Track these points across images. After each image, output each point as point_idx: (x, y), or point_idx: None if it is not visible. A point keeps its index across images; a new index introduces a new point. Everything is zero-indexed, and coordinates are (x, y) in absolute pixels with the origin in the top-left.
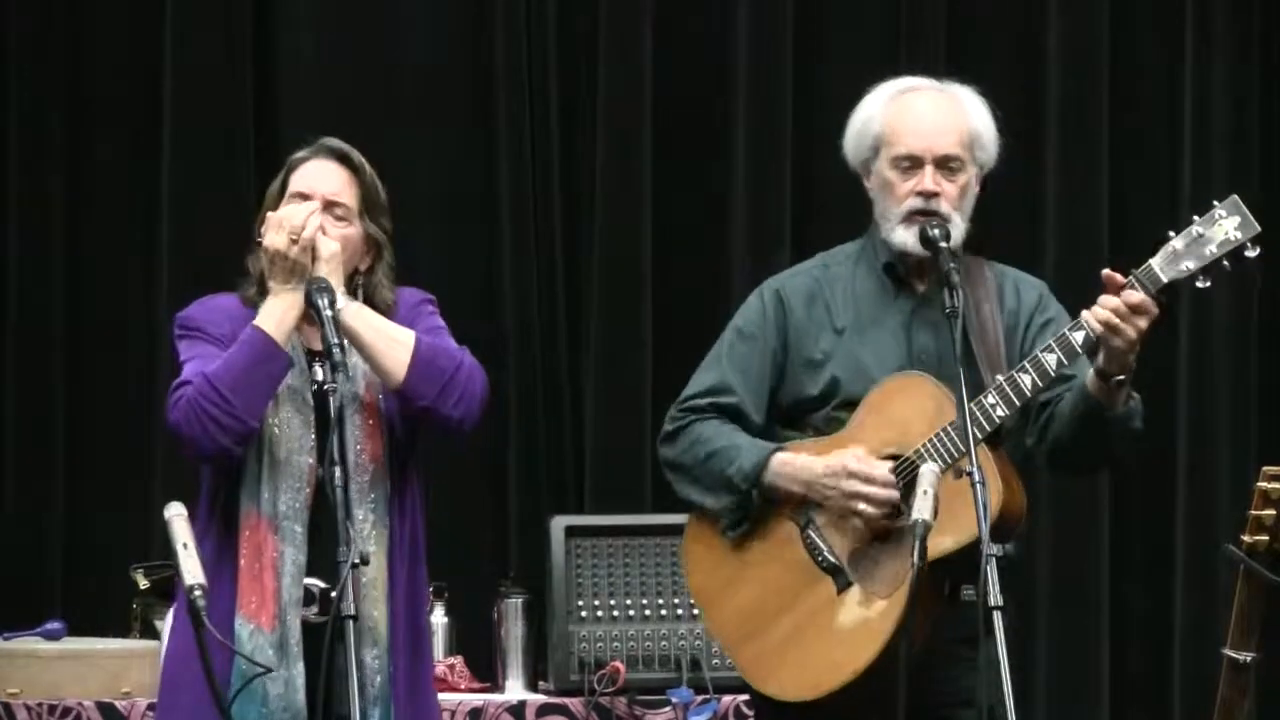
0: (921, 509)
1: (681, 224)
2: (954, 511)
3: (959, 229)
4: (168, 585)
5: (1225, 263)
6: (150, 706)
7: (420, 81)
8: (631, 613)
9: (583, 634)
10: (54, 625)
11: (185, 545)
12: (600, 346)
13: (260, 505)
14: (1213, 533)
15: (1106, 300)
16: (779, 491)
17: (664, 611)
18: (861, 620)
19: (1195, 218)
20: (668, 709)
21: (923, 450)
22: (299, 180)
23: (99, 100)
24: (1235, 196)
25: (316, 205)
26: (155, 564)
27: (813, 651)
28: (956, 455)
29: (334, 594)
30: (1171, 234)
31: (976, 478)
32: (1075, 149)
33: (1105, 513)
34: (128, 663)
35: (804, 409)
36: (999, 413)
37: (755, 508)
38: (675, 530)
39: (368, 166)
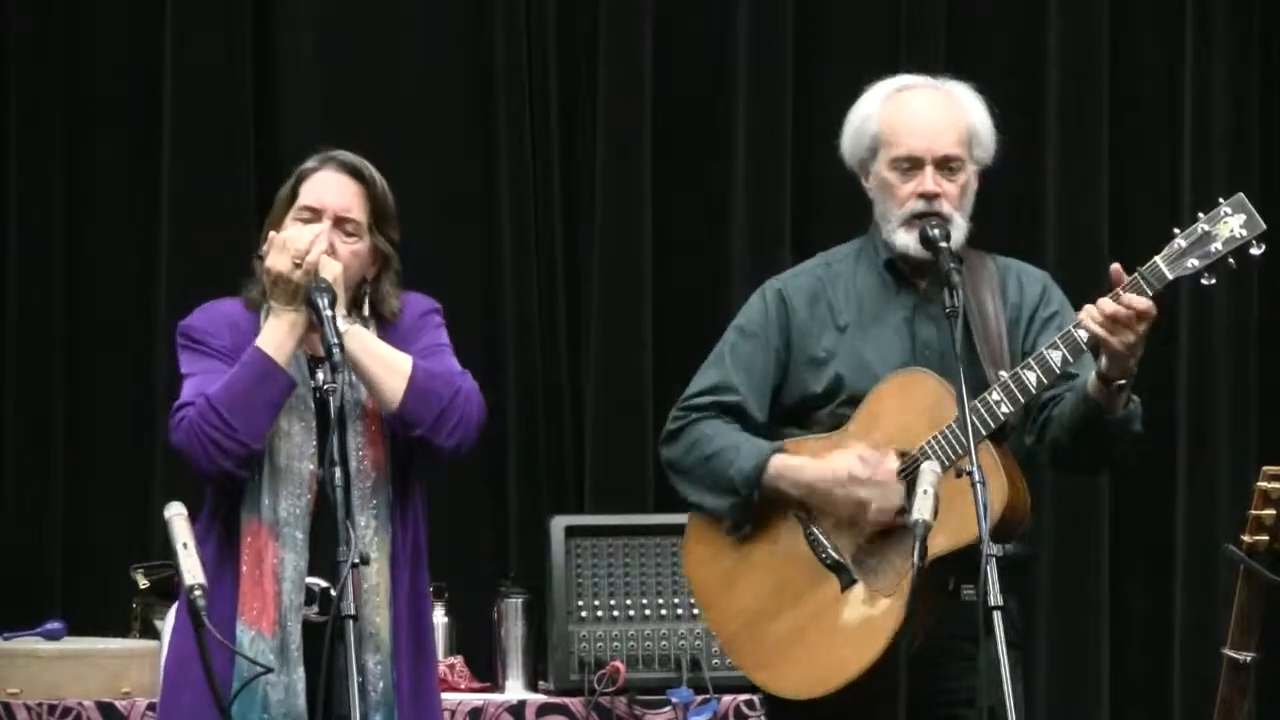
0: (921, 509)
1: (681, 224)
2: (958, 510)
3: (960, 229)
4: (168, 585)
5: (1230, 260)
6: (150, 706)
7: (420, 81)
8: (631, 613)
9: (583, 634)
10: (54, 625)
11: (185, 545)
12: (600, 346)
13: (261, 511)
14: (1213, 533)
15: (1104, 305)
16: (781, 495)
17: (664, 611)
18: (865, 618)
19: (1201, 215)
20: (668, 709)
21: (926, 448)
22: (308, 193)
23: (99, 100)
24: (1241, 194)
25: (322, 229)
26: (155, 564)
27: (816, 649)
28: (960, 453)
29: (334, 593)
30: (1177, 231)
31: (977, 477)
32: (1075, 149)
33: (1105, 513)
34: (128, 663)
35: (809, 406)
36: (1003, 410)
37: (757, 506)
38: (675, 530)
39: (378, 178)
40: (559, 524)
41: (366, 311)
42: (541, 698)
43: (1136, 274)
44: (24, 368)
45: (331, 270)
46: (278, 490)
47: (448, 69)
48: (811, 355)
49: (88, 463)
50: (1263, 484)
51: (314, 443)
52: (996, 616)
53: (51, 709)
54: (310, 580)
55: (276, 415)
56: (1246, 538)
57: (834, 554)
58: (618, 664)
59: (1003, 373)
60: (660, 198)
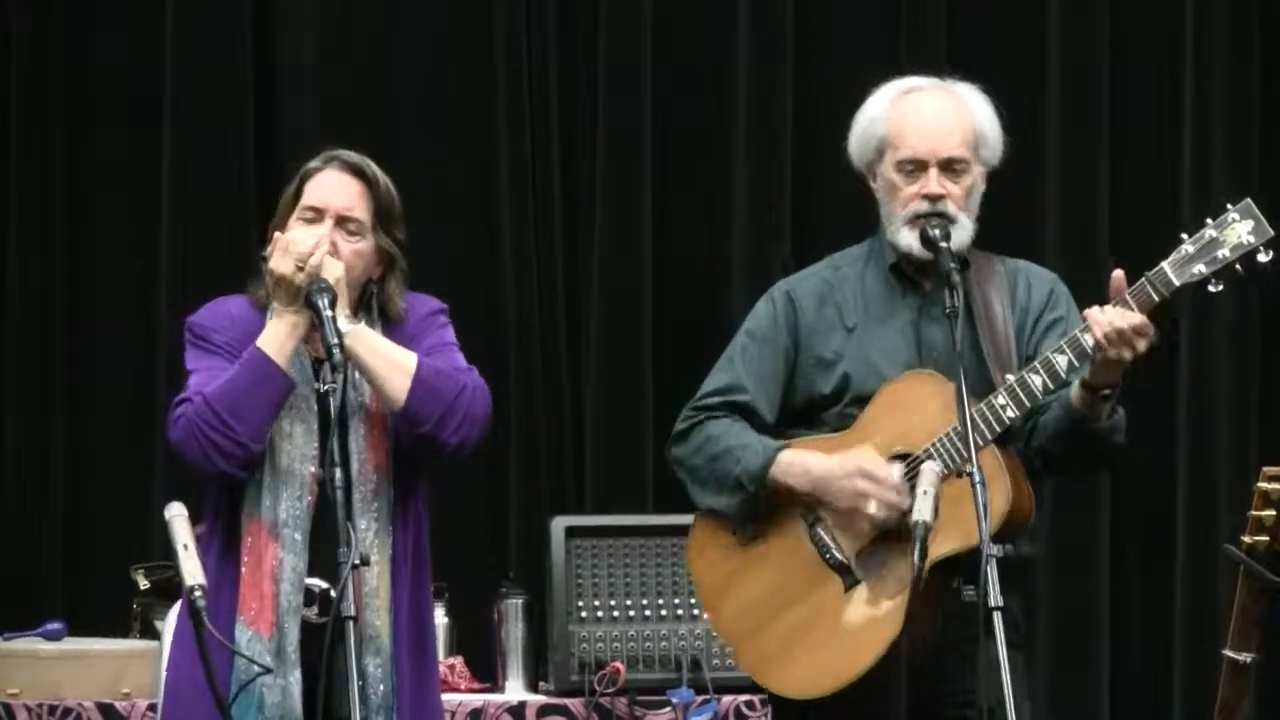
0: (921, 510)
1: (681, 224)
2: (966, 512)
3: (965, 229)
4: (168, 585)
5: (1238, 267)
6: (150, 707)
7: (420, 81)
8: (632, 613)
9: (583, 634)
10: (54, 625)
11: (186, 546)
12: (600, 346)
13: (261, 512)
14: (1213, 533)
15: (1113, 319)
16: (787, 490)
17: (664, 612)
18: (868, 619)
19: (1209, 220)
20: (668, 709)
21: (931, 449)
22: (312, 193)
23: (99, 100)
24: (1249, 200)
25: (324, 233)
26: (155, 564)
27: (818, 650)
28: (964, 454)
29: (334, 594)
30: (1184, 236)
31: (976, 478)
32: (1075, 149)
33: (1105, 513)
34: (128, 663)
35: (817, 407)
36: (1009, 414)
37: (763, 507)
38: (675, 530)
39: (382, 178)
40: (559, 524)
41: (374, 312)
42: (542, 698)
43: (1144, 280)
44: (24, 368)
45: (334, 271)
46: (278, 491)
47: (448, 69)
48: (819, 356)
49: (88, 463)
50: (1262, 484)
51: (316, 444)
52: (997, 617)
53: (51, 709)
54: (310, 582)
55: (275, 416)
56: (1246, 538)
57: (838, 555)
58: (618, 665)
59: (1009, 376)
60: (660, 198)
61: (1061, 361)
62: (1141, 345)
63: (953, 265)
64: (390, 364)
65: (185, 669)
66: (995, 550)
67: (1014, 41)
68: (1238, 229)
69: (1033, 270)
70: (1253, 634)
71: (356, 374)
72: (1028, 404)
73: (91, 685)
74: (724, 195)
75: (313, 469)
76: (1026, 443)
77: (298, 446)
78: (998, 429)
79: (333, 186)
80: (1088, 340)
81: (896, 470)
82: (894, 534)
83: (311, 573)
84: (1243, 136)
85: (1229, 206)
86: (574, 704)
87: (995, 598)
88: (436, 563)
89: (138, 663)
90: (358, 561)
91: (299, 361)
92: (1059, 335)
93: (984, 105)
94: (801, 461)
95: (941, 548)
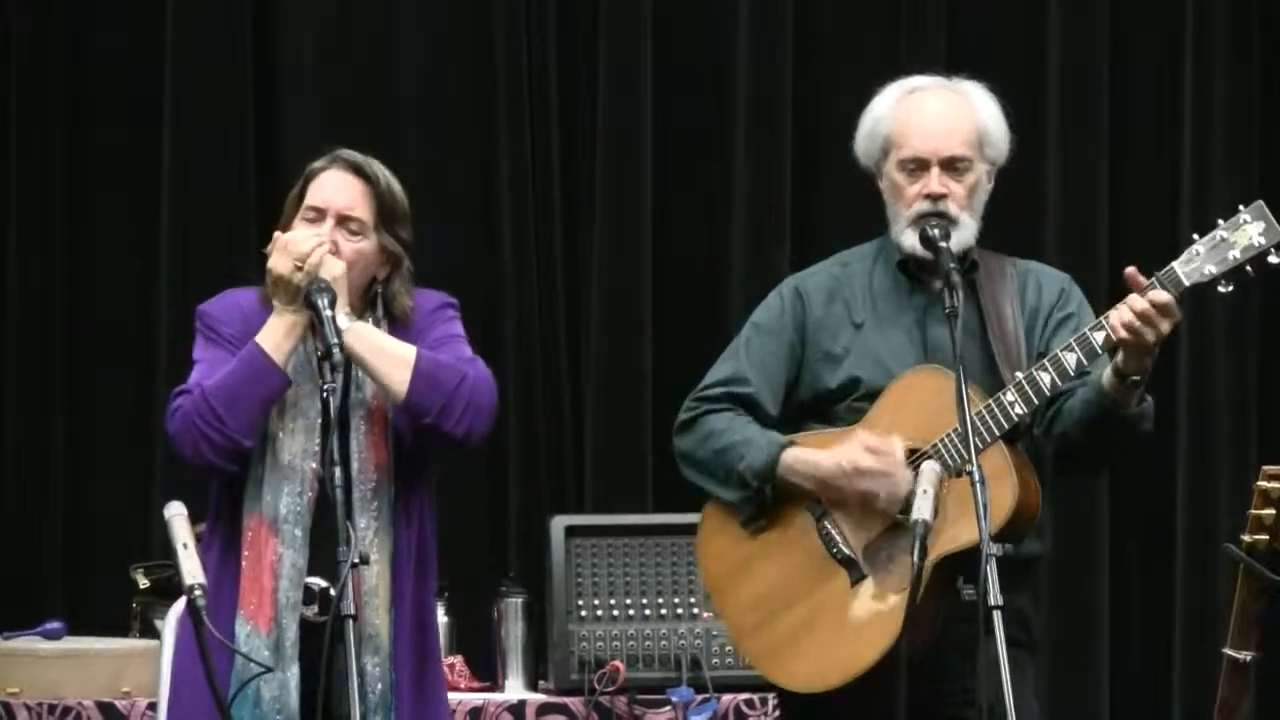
0: (921, 509)
1: (681, 224)
2: (971, 508)
3: (967, 229)
4: (167, 584)
5: (1248, 268)
6: (150, 706)
7: (420, 81)
8: (631, 612)
9: (582, 633)
10: (54, 625)
11: (185, 545)
12: (600, 346)
13: (262, 507)
14: (1213, 533)
15: (1134, 302)
16: (793, 488)
17: (664, 611)
18: (874, 613)
19: (1220, 221)
20: (667, 708)
21: (939, 444)
22: (314, 193)
23: (99, 100)
24: (1260, 202)
25: (324, 235)
26: (155, 564)
27: (824, 643)
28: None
29: (333, 592)
30: (1195, 237)
31: (976, 477)
32: (1075, 149)
33: (1105, 512)
34: (127, 662)
35: (825, 402)
36: (1017, 410)
37: (770, 502)
38: (675, 530)
39: (384, 178)
40: (559, 524)
41: (380, 311)
42: (541, 697)
43: (1154, 278)
44: (24, 368)
45: (334, 270)
46: (279, 486)
47: (448, 69)
48: (827, 351)
49: (88, 463)
50: (1262, 483)
51: (318, 441)
52: (996, 616)
53: (51, 709)
54: (310, 580)
55: (268, 413)
56: (1246, 537)
57: (845, 549)
58: (617, 663)
59: (1018, 373)
60: (660, 198)
61: (1070, 359)
62: (1165, 326)
63: (952, 265)
64: (389, 358)
65: (188, 666)
66: (995, 549)
67: (1014, 41)
68: (1249, 230)
69: (1044, 271)
70: (1252, 633)
71: (359, 372)
72: (1035, 401)
73: (91, 684)
74: (724, 195)
75: (313, 465)
76: (1047, 430)
77: (299, 443)
78: (1005, 425)
79: (334, 186)
80: (1097, 338)
81: (898, 447)
82: (902, 529)
83: (312, 570)
84: (1243, 136)
85: (1241, 208)
86: (574, 703)
87: (995, 597)
88: (437, 562)
89: (137, 662)
90: (356, 560)
91: (305, 359)
92: (1070, 332)
93: (990, 104)
94: (805, 462)
95: (956, 541)
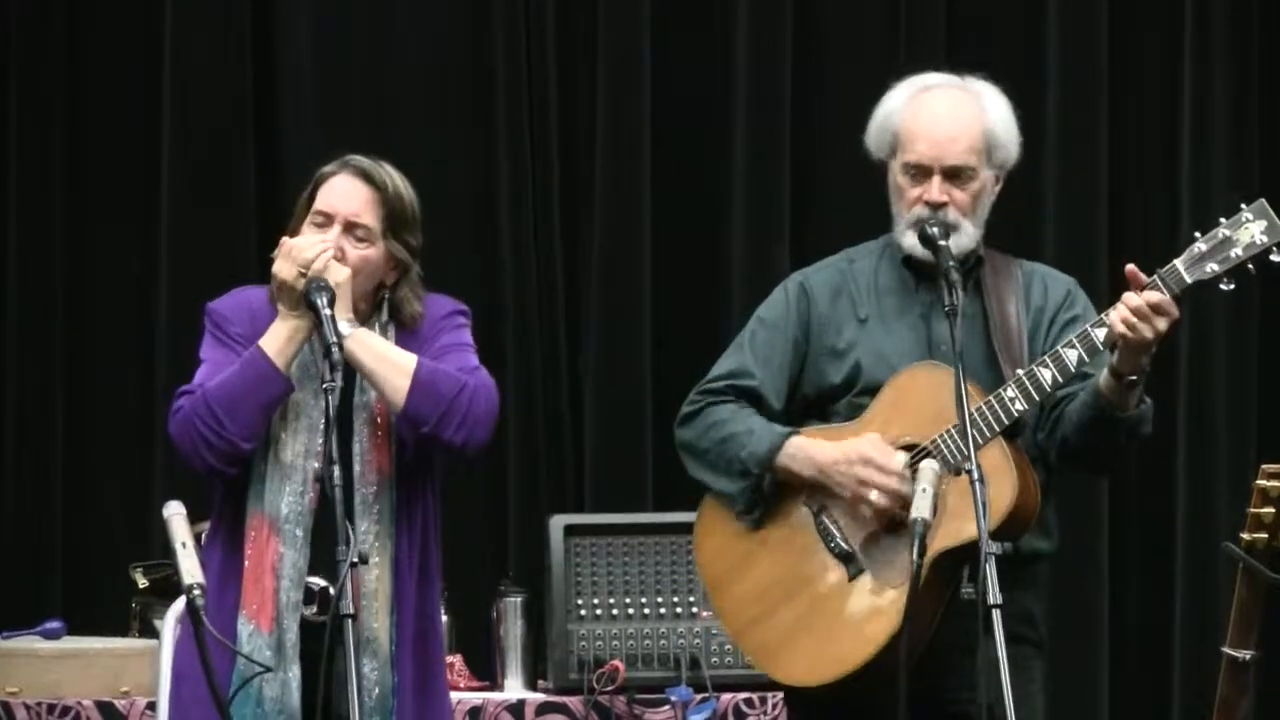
0: (920, 507)
1: (681, 224)
2: (972, 504)
3: (967, 235)
4: (166, 584)
5: (1250, 266)
6: (150, 705)
7: (420, 81)
8: (630, 611)
9: (582, 632)
10: (53, 624)
11: (184, 544)
12: (600, 346)
13: (264, 506)
14: (1213, 532)
15: (1129, 299)
16: (793, 476)
17: (663, 610)
18: (872, 608)
19: (1222, 219)
20: (667, 708)
21: (939, 440)
22: (323, 198)
23: (99, 100)
24: (1263, 200)
25: (329, 241)
26: (155, 564)
27: (821, 638)
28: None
29: (332, 592)
30: (1197, 235)
31: (975, 475)
32: (1075, 149)
33: (1105, 512)
34: (127, 662)
35: (828, 397)
36: (1017, 406)
37: (769, 492)
38: (674, 529)
39: (393, 184)
40: (558, 523)
41: (387, 317)
42: (541, 696)
43: (1156, 276)
44: (24, 368)
45: (339, 275)
46: (281, 487)
47: (448, 69)
48: (832, 346)
49: (88, 463)
50: (1261, 482)
51: (320, 441)
52: (996, 614)
53: (51, 708)
54: (310, 580)
55: (268, 417)
56: (1246, 535)
57: (843, 543)
58: (617, 663)
59: (1019, 371)
60: (660, 198)
61: (1071, 356)
62: (1163, 324)
63: (951, 264)
64: (389, 365)
65: (189, 664)
66: (994, 548)
67: (1014, 41)
68: (1251, 229)
69: (1050, 273)
70: (1252, 631)
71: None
72: (1036, 397)
73: (91, 684)
74: (724, 195)
75: (315, 465)
76: (1049, 434)
77: (301, 442)
78: (1006, 421)
79: (342, 192)
80: (1098, 335)
81: (900, 457)
82: (899, 524)
83: (314, 570)
84: (1243, 136)
85: (1243, 206)
86: (573, 702)
87: (994, 595)
88: (441, 573)
89: (137, 661)
90: (355, 560)
91: (309, 361)
92: (1074, 331)
93: (1000, 106)
94: (807, 448)
95: (959, 535)
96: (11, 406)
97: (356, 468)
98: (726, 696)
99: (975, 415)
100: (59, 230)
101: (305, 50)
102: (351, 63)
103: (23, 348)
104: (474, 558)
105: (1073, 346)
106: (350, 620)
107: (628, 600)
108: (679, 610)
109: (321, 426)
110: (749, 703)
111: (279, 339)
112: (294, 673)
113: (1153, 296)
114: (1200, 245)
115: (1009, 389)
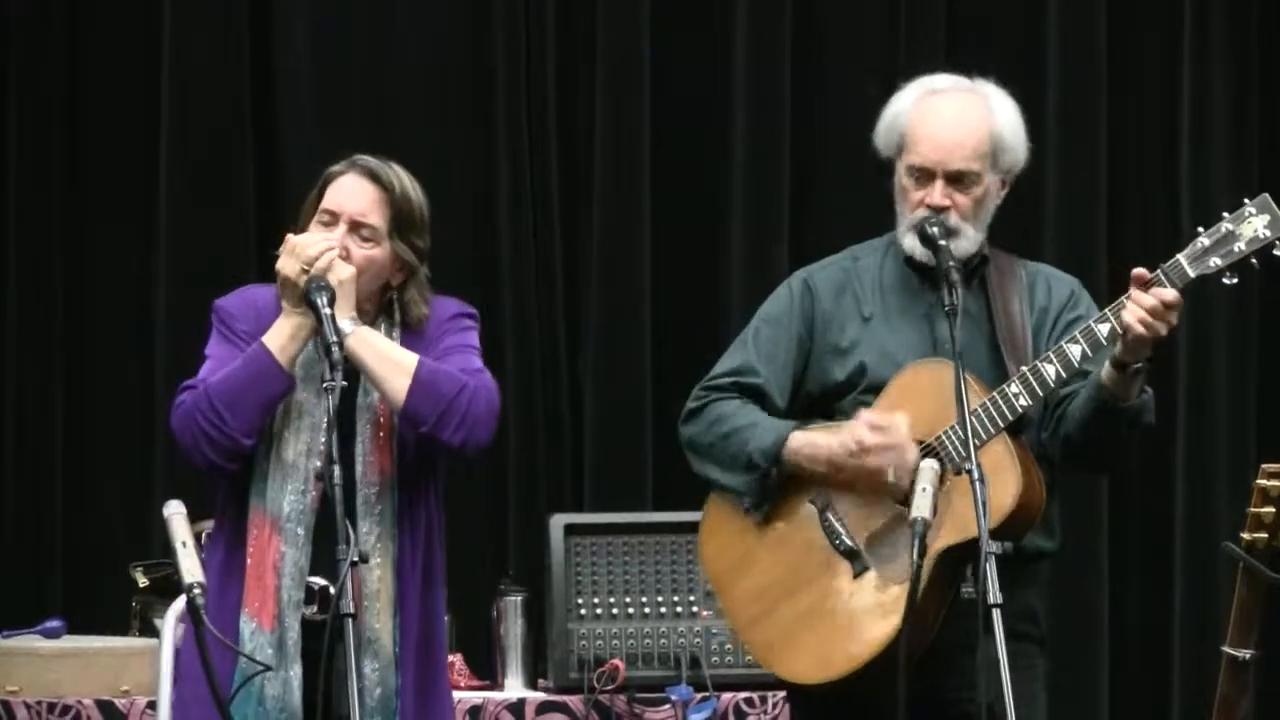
0: (920, 506)
1: (681, 224)
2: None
3: (968, 239)
4: (166, 583)
5: (1253, 261)
6: (150, 704)
7: (420, 81)
8: (631, 610)
9: (582, 632)
10: (53, 623)
11: (184, 543)
12: (600, 346)
13: (266, 504)
14: (1213, 531)
15: (1142, 298)
16: (799, 470)
17: (663, 609)
18: (876, 605)
19: (1225, 214)
20: (667, 707)
21: (943, 436)
22: (329, 197)
23: (99, 100)
24: (1266, 195)
25: (334, 239)
26: (155, 563)
27: (826, 635)
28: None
29: (333, 591)
30: (1200, 230)
31: (975, 475)
32: (1075, 149)
33: (1104, 512)
34: (127, 661)
35: (832, 394)
36: (1021, 402)
37: (776, 487)
38: (674, 528)
39: (400, 185)
40: (558, 522)
41: (395, 318)
42: (541, 696)
43: (1159, 270)
44: (24, 368)
45: (342, 274)
46: (282, 485)
47: (448, 69)
48: (836, 344)
49: (88, 462)
50: (1261, 481)
51: (323, 440)
52: (996, 614)
53: (51, 707)
54: (311, 579)
55: (270, 414)
56: (1245, 535)
57: (848, 540)
58: (617, 662)
59: (1023, 367)
60: (660, 198)
61: (1075, 351)
62: (1174, 319)
63: (951, 264)
64: (390, 364)
65: (191, 663)
66: (994, 547)
67: (1013, 41)
68: (1254, 223)
69: (1054, 274)
70: (1252, 631)
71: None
72: (1040, 393)
73: (91, 683)
74: (724, 195)
75: (317, 464)
76: (1053, 433)
77: (303, 441)
78: (1010, 417)
79: (349, 192)
80: (1102, 330)
81: (901, 421)
82: (904, 520)
83: (316, 569)
84: (1242, 136)
85: (1246, 200)
86: (573, 701)
87: (994, 595)
88: (444, 576)
89: (137, 660)
90: (355, 559)
91: (312, 359)
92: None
93: (1008, 110)
94: (813, 444)
95: (964, 532)
96: (11, 406)
97: (359, 468)
98: (727, 696)
99: (979, 411)
100: (58, 230)
101: (304, 50)
102: (351, 63)
103: (23, 348)
104: (474, 557)
105: (1076, 342)
106: (350, 620)
107: (628, 599)
108: (679, 609)
109: (324, 425)
110: (749, 702)
111: (282, 335)
112: (295, 671)
113: (1166, 294)
114: (1203, 240)
115: (1013, 384)
